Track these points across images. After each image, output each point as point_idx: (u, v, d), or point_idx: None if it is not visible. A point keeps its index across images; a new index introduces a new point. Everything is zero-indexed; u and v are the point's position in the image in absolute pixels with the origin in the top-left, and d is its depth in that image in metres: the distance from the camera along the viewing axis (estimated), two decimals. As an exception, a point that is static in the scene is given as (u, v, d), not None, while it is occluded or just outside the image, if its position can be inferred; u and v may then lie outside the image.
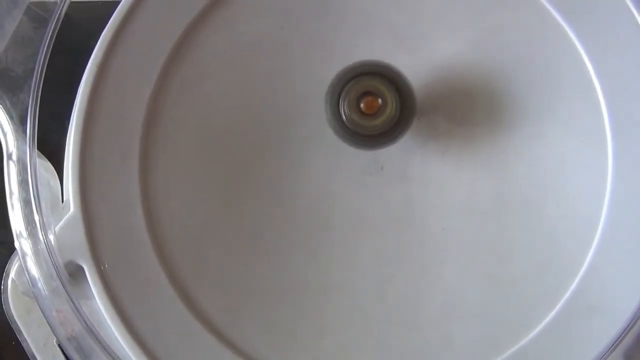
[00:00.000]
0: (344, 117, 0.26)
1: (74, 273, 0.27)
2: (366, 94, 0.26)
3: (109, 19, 0.28)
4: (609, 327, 0.26)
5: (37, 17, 0.26)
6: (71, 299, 0.25)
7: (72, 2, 0.28)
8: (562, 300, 0.26)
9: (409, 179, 0.28)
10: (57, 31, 0.26)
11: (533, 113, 0.28)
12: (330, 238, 0.28)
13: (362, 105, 0.26)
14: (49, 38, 0.25)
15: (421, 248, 0.28)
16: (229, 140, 0.28)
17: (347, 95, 0.26)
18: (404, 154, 0.28)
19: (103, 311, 0.26)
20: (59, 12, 0.25)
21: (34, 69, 0.25)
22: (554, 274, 0.27)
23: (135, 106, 0.27)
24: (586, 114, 0.27)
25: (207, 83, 0.28)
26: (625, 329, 0.25)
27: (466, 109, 0.28)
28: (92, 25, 0.28)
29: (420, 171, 0.28)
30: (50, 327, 0.24)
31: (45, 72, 0.27)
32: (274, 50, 0.29)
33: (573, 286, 0.26)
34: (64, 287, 0.25)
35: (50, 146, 0.29)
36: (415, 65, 0.28)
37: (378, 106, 0.26)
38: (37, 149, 0.27)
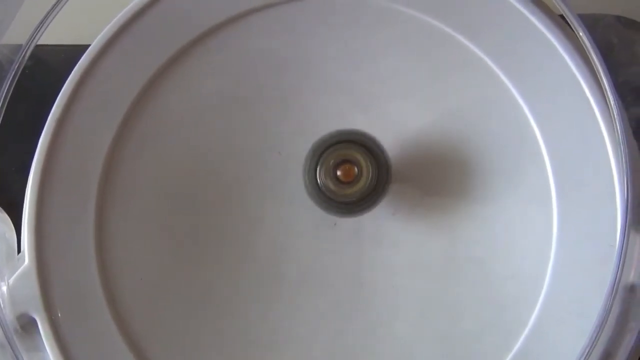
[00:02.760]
0: (320, 184, 0.27)
1: (27, 325, 0.27)
2: (344, 162, 0.27)
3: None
4: (552, 386, 0.26)
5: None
6: (16, 356, 0.25)
7: (39, 46, 0.29)
8: (507, 359, 0.27)
9: (361, 236, 0.29)
10: (10, 94, 0.26)
11: (479, 177, 0.28)
12: (282, 293, 0.28)
13: (339, 173, 0.27)
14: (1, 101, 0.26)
15: (372, 304, 0.28)
16: (185, 195, 0.29)
17: (324, 163, 0.27)
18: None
19: (54, 364, 0.27)
20: (12, 75, 0.26)
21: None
22: (499, 332, 0.27)
23: (93, 161, 0.28)
24: (532, 176, 0.28)
25: (165, 139, 0.29)
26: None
27: (417, 174, 0.29)
28: (60, 69, 0.29)
29: (371, 229, 0.29)
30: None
31: (9, 119, 0.28)
32: (232, 107, 0.29)
33: (518, 344, 0.27)
34: (9, 343, 0.25)
35: (10, 196, 0.29)
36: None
37: (354, 174, 0.27)
38: (-5, 200, 0.28)
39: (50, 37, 0.29)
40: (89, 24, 0.29)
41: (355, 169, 0.27)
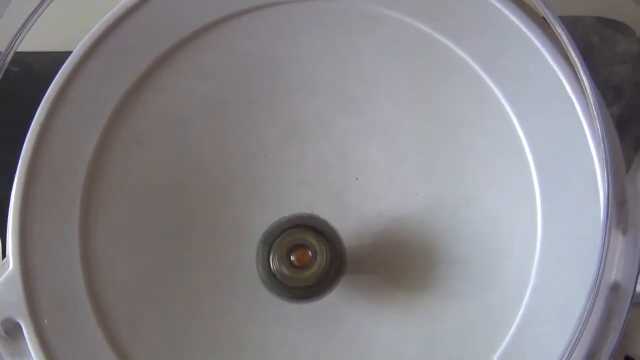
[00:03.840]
0: (274, 270, 0.27)
1: (12, 331, 0.27)
2: (297, 247, 0.27)
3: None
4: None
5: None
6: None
7: (26, 53, 0.29)
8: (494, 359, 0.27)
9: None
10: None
11: (463, 177, 0.28)
12: (268, 297, 0.28)
13: (292, 258, 0.27)
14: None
15: (357, 307, 0.28)
16: (170, 200, 0.29)
17: (278, 248, 0.27)
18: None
19: (39, 370, 0.26)
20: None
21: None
22: (485, 333, 0.27)
23: (77, 166, 0.28)
24: (516, 177, 0.28)
25: (150, 143, 0.29)
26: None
27: (394, 178, 0.29)
28: (47, 76, 0.29)
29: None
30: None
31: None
32: (218, 110, 0.29)
33: (504, 345, 0.27)
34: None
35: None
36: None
37: (309, 259, 0.27)
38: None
39: (39, 44, 0.29)
40: (77, 32, 0.29)
41: (310, 253, 0.27)
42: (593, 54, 0.25)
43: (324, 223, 0.27)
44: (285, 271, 0.26)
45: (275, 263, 0.27)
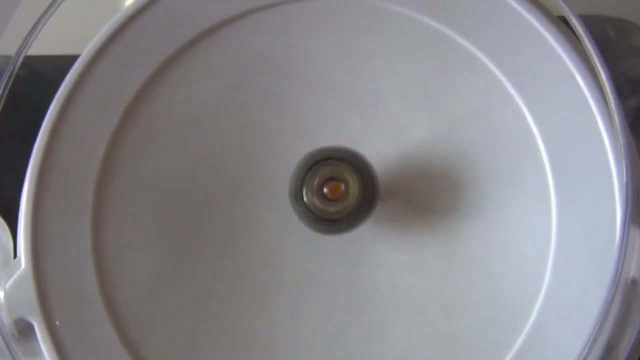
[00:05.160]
0: (305, 201, 0.27)
1: (24, 330, 0.27)
2: (330, 179, 0.27)
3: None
4: (554, 383, 0.26)
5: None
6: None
7: (34, 56, 0.29)
8: (508, 357, 0.27)
9: (360, 237, 0.28)
10: (2, 103, 0.26)
11: (478, 173, 0.28)
12: (281, 294, 0.28)
13: (325, 190, 0.27)
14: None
15: (370, 304, 0.28)
16: (181, 198, 0.29)
17: (310, 180, 0.27)
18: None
19: (52, 369, 0.26)
20: (3, 84, 0.26)
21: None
22: (500, 331, 0.27)
23: (88, 165, 0.28)
24: (530, 172, 0.27)
25: (160, 142, 0.29)
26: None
27: (410, 171, 0.29)
28: (55, 79, 0.29)
29: (370, 229, 0.28)
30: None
31: (4, 127, 0.28)
32: (228, 109, 0.29)
33: (519, 342, 0.27)
34: (8, 348, 0.25)
35: (5, 201, 0.29)
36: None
37: (341, 192, 0.26)
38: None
39: (46, 47, 0.29)
40: (83, 34, 0.29)
41: (342, 186, 0.27)
42: (609, 46, 0.25)
43: (357, 156, 0.27)
44: (318, 204, 0.26)
45: (308, 195, 0.26)
